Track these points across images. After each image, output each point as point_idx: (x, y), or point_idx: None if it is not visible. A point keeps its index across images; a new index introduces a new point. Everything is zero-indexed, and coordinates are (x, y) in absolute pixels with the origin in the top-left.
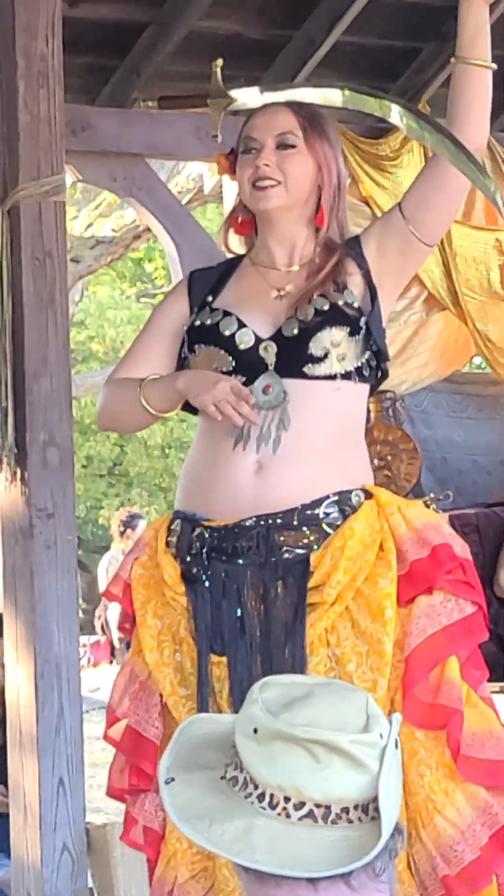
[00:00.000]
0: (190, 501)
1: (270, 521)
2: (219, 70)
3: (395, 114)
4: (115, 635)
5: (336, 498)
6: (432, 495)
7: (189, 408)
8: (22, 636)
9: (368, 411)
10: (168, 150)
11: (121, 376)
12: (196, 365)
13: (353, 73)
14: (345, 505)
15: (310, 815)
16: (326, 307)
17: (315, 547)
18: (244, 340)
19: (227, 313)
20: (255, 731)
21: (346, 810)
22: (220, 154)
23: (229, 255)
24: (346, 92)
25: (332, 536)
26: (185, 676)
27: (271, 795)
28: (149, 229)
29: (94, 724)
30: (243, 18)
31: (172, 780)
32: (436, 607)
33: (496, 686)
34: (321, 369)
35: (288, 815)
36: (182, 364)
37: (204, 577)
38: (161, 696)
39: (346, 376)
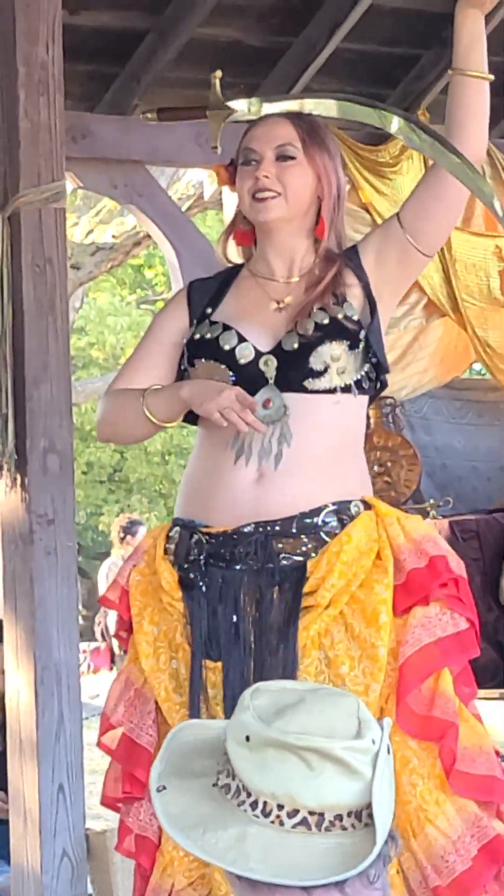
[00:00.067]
0: (189, 509)
1: (269, 528)
2: (218, 82)
3: (395, 124)
4: (115, 642)
5: (335, 507)
6: (432, 501)
7: (188, 418)
8: (22, 642)
9: (368, 417)
10: (168, 156)
11: (120, 387)
12: (195, 377)
13: (352, 80)
14: (343, 514)
15: (303, 822)
16: (326, 321)
17: (313, 554)
18: (244, 355)
19: (226, 327)
20: (248, 738)
21: (339, 817)
22: (220, 165)
23: (228, 265)
24: (345, 103)
25: (329, 543)
26: (180, 683)
27: (264, 803)
28: (149, 236)
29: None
30: (243, 25)
31: (164, 788)
32: (431, 619)
33: (496, 693)
34: (321, 383)
35: (282, 823)
36: (182, 376)
37: (201, 583)
38: (156, 703)
39: (346, 389)
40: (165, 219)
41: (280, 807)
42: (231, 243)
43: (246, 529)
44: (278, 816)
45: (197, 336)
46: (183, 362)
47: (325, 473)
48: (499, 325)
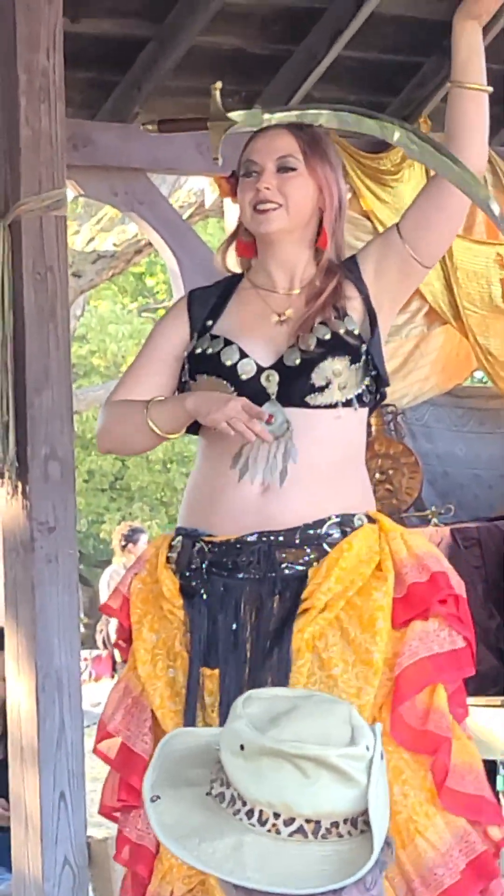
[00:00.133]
0: (192, 518)
1: (272, 538)
2: (218, 93)
3: (396, 135)
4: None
5: (338, 519)
6: (434, 509)
7: (190, 428)
8: (23, 650)
9: (370, 425)
10: (169, 164)
11: (120, 398)
12: (196, 391)
13: (354, 88)
14: (346, 526)
15: (300, 830)
16: (328, 336)
17: (314, 564)
18: (246, 370)
19: (227, 342)
20: (242, 747)
21: (335, 825)
22: (222, 177)
23: (228, 273)
24: (346, 114)
25: (330, 552)
26: (175, 691)
27: (260, 812)
28: (150, 244)
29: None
30: (244, 33)
31: (158, 797)
32: (429, 633)
33: (498, 700)
34: (323, 398)
35: (278, 832)
36: (182, 389)
37: (202, 591)
38: (152, 711)
39: (347, 404)
40: (166, 226)
41: (276, 815)
42: (231, 253)
43: (249, 539)
44: (274, 825)
45: (198, 350)
46: (184, 375)
47: (328, 488)
48: (500, 332)
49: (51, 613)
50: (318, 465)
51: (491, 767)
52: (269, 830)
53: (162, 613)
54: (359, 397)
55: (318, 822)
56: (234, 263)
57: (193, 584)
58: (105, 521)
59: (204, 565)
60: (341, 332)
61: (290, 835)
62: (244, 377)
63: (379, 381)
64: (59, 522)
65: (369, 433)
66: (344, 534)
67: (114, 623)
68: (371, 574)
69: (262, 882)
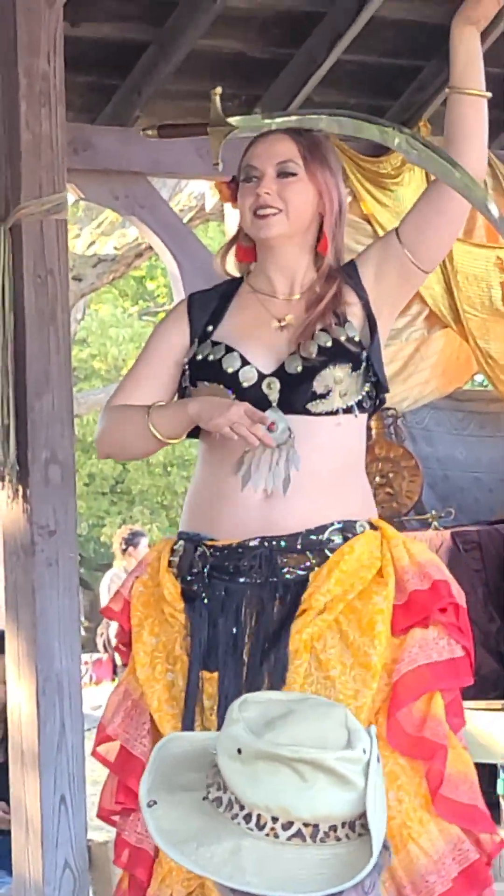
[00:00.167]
0: (195, 523)
1: (274, 543)
2: (218, 98)
3: (396, 140)
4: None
5: (340, 526)
6: (434, 512)
7: (190, 432)
8: (23, 653)
9: (370, 429)
10: (170, 168)
11: (120, 403)
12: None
13: (354, 92)
14: (348, 532)
15: (298, 834)
16: (329, 343)
17: (315, 569)
18: (247, 378)
19: (229, 349)
20: (239, 751)
21: (333, 828)
22: (222, 182)
23: (227, 277)
24: (345, 119)
25: (331, 556)
26: (173, 695)
27: (258, 816)
28: (151, 247)
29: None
30: (244, 37)
31: (154, 802)
32: (429, 641)
33: (498, 704)
34: (324, 406)
35: (276, 836)
36: (182, 394)
37: (203, 595)
38: (150, 713)
39: (348, 410)
40: (167, 230)
41: (274, 819)
42: (230, 257)
43: (251, 543)
44: (273, 829)
45: (199, 356)
46: (184, 380)
47: (329, 494)
48: (500, 336)
49: (51, 617)
50: (320, 471)
51: (491, 771)
52: (267, 834)
53: (163, 617)
54: (359, 404)
55: (316, 826)
56: (233, 267)
57: (195, 588)
58: (106, 525)
59: (205, 569)
60: (342, 339)
61: (289, 839)
62: (245, 384)
63: (378, 388)
64: (60, 526)
65: (369, 437)
66: (346, 539)
67: (114, 626)
68: (372, 579)
69: (262, 886)
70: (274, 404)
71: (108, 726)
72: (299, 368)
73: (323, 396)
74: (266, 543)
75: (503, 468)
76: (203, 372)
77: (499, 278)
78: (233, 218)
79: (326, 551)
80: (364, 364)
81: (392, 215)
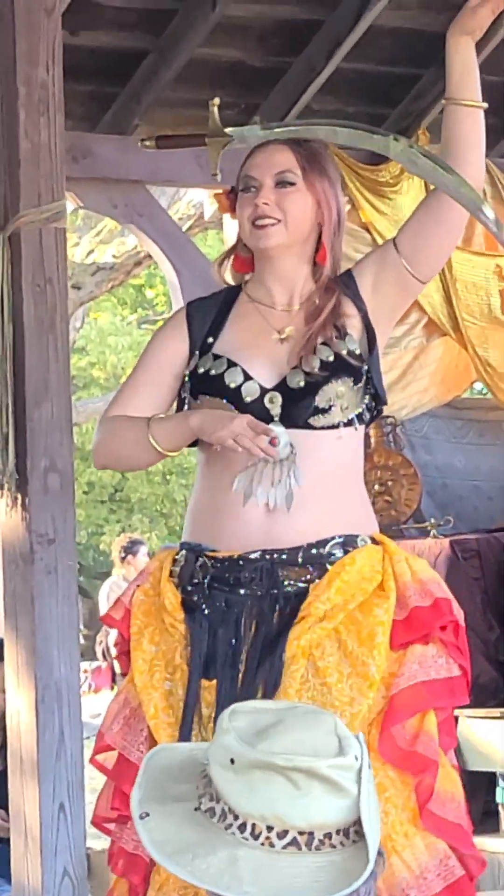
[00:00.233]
0: (196, 534)
1: (276, 556)
2: (216, 109)
3: (394, 150)
4: (116, 662)
5: (342, 540)
6: (433, 520)
7: (190, 443)
8: (23, 661)
9: (369, 437)
10: (168, 176)
11: (117, 413)
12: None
13: (352, 100)
14: (349, 546)
15: (293, 842)
16: (331, 358)
17: (316, 581)
18: (250, 393)
19: (231, 363)
20: (232, 761)
21: (328, 836)
22: (221, 193)
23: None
24: (345, 129)
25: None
26: (171, 703)
27: (253, 825)
28: (149, 256)
29: None
30: (243, 46)
31: (147, 814)
32: (428, 659)
33: (497, 712)
34: (325, 420)
35: (272, 845)
36: (181, 405)
37: (204, 606)
38: None
39: (349, 423)
40: (166, 238)
41: (269, 828)
42: (227, 267)
43: (252, 556)
44: (268, 838)
45: (201, 370)
46: (184, 391)
47: (331, 508)
48: (499, 344)
49: (50, 625)
50: (322, 485)
51: (490, 779)
52: (262, 844)
53: (163, 626)
54: (359, 416)
55: (311, 834)
56: (230, 276)
57: (195, 598)
58: (104, 533)
59: (206, 580)
60: (343, 353)
61: (284, 847)
62: (248, 399)
63: (378, 400)
64: (59, 534)
65: (368, 445)
66: (346, 553)
67: (113, 635)
68: (373, 592)
69: None
70: (276, 419)
71: (107, 734)
72: (301, 383)
73: (325, 411)
74: (267, 556)
75: (502, 476)
76: (205, 386)
77: (498, 286)
78: (232, 227)
79: (327, 565)
80: (364, 377)
81: (391, 223)
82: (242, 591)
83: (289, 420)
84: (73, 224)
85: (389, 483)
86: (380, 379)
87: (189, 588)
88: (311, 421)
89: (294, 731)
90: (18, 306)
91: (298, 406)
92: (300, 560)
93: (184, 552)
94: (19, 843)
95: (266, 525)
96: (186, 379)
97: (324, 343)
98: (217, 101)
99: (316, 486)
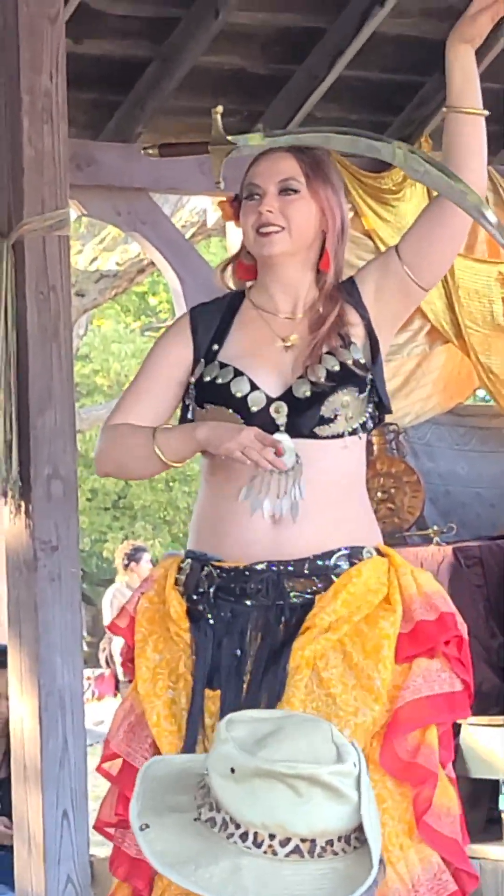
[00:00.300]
0: (202, 543)
1: (282, 568)
2: (219, 117)
3: (398, 156)
4: (120, 669)
5: (348, 552)
6: (436, 528)
7: None
8: (26, 669)
9: (371, 444)
10: (172, 184)
11: (119, 421)
12: (204, 420)
13: (355, 108)
14: (355, 558)
15: (296, 850)
16: (337, 368)
17: (322, 593)
18: (256, 402)
19: (238, 372)
20: (233, 770)
21: (330, 842)
22: (225, 201)
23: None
24: (348, 136)
25: (337, 579)
26: (173, 712)
27: (255, 834)
28: (153, 263)
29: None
30: (246, 54)
31: (147, 825)
32: (432, 673)
33: (500, 719)
34: (330, 429)
35: (274, 853)
36: (185, 412)
37: (209, 615)
38: None
39: (353, 433)
40: (169, 246)
41: (272, 836)
42: (229, 273)
43: (258, 567)
44: (271, 846)
45: (206, 378)
46: (188, 398)
47: (336, 518)
48: (502, 351)
49: (54, 632)
50: (326, 494)
51: (494, 787)
52: (265, 852)
53: (168, 635)
54: (363, 425)
55: (313, 841)
56: (233, 282)
57: (200, 607)
58: (108, 540)
59: (211, 590)
60: (349, 362)
61: (287, 855)
62: (254, 409)
63: (381, 408)
64: (62, 541)
65: (371, 452)
66: (352, 565)
67: (117, 642)
68: (378, 604)
69: None
70: (281, 428)
71: (112, 741)
72: (308, 393)
73: (330, 420)
74: (273, 568)
75: None
76: (210, 394)
77: (500, 294)
78: (235, 235)
79: (333, 577)
80: (369, 386)
81: (393, 231)
82: (248, 602)
83: (294, 430)
84: (76, 231)
85: (392, 490)
86: (384, 387)
87: (194, 597)
88: (317, 430)
89: (293, 739)
90: (22, 314)
91: (304, 416)
92: (306, 571)
93: (189, 561)
94: (23, 851)
95: (272, 536)
96: (192, 387)
97: (329, 352)
98: (220, 108)
99: (321, 494)
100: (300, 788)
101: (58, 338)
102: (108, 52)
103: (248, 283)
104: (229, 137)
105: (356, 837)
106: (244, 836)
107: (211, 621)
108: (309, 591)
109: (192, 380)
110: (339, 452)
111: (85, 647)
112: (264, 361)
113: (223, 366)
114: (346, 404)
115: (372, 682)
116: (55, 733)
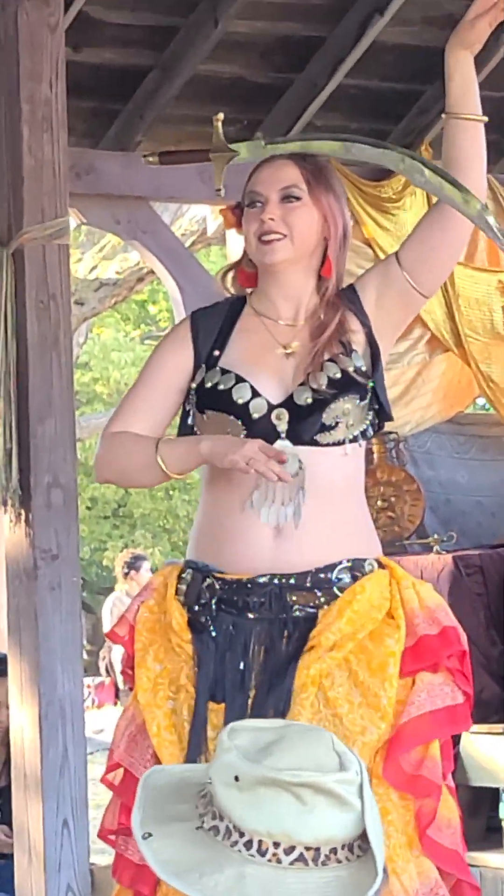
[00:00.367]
0: (203, 553)
1: (284, 581)
2: (220, 124)
3: (399, 163)
4: (120, 677)
5: (349, 564)
6: (436, 536)
7: None
8: (26, 677)
9: (372, 453)
10: (171, 193)
11: (119, 429)
12: (204, 426)
13: (355, 116)
14: (357, 571)
15: (300, 858)
16: (339, 375)
17: (325, 606)
18: (257, 409)
19: (239, 378)
20: (237, 778)
21: (334, 850)
22: (227, 209)
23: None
24: (348, 143)
25: (342, 595)
26: (174, 722)
27: (259, 842)
28: (152, 272)
29: (98, 765)
30: (246, 62)
31: (149, 834)
32: (436, 687)
33: (500, 728)
34: (331, 437)
35: (279, 861)
36: (186, 418)
37: (212, 627)
38: None
39: (353, 440)
40: (169, 255)
41: (276, 844)
42: (230, 279)
43: (261, 580)
44: (275, 854)
45: (208, 384)
46: (188, 404)
47: (338, 526)
48: (502, 359)
49: (54, 641)
50: (327, 500)
51: (494, 795)
52: (269, 860)
53: (169, 645)
54: (363, 433)
55: (317, 849)
56: (233, 288)
57: (202, 619)
58: (108, 549)
59: (213, 602)
60: (350, 370)
61: (291, 863)
62: (255, 416)
63: (381, 415)
64: (62, 550)
65: (371, 461)
66: (354, 578)
67: (117, 650)
68: (382, 620)
69: None
70: (282, 435)
71: (116, 751)
72: (309, 400)
73: (331, 428)
74: (276, 581)
75: None
76: (212, 400)
77: (500, 302)
78: (235, 242)
79: (335, 590)
80: (369, 394)
81: (393, 239)
82: (251, 615)
83: (295, 436)
84: (76, 240)
85: (393, 499)
86: (384, 394)
87: (196, 608)
88: (318, 438)
89: (296, 747)
90: (22, 323)
91: (305, 423)
92: (308, 584)
93: (190, 571)
94: (23, 859)
95: (273, 548)
96: (192, 392)
97: (330, 359)
98: (221, 116)
99: (321, 501)
100: (305, 797)
101: (58, 346)
102: (108, 61)
103: (249, 290)
104: (231, 145)
105: (359, 846)
106: (248, 845)
107: (213, 633)
108: (311, 604)
109: (193, 385)
110: (340, 459)
111: (85, 656)
112: (265, 368)
113: (224, 372)
114: (347, 412)
115: (379, 700)
116: (55, 742)
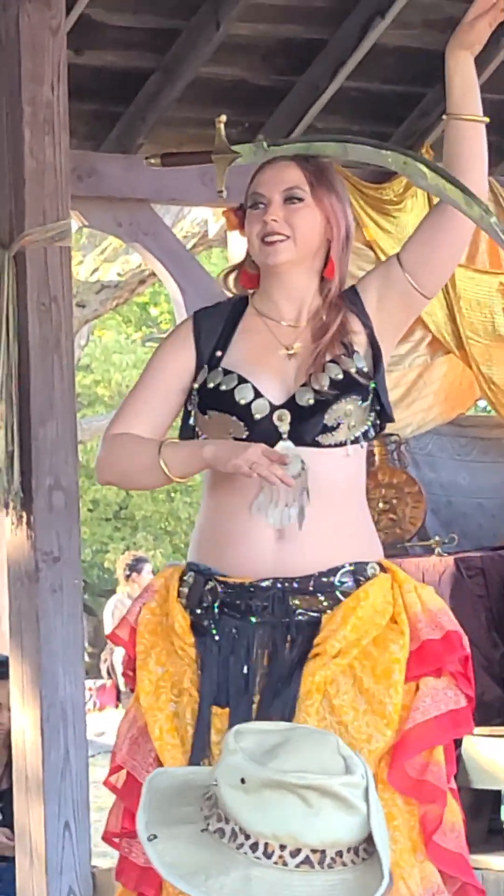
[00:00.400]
0: (205, 556)
1: (287, 585)
2: (222, 126)
3: (402, 164)
4: (121, 679)
5: (352, 568)
6: (437, 538)
7: None
8: (28, 680)
9: (373, 455)
10: (173, 195)
11: (120, 430)
12: (206, 427)
13: (356, 118)
14: (360, 575)
15: (306, 861)
16: (341, 376)
17: (328, 611)
18: (259, 410)
19: (242, 379)
20: (243, 780)
21: (339, 853)
22: (229, 210)
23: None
24: (350, 145)
25: (345, 600)
26: (176, 726)
27: (266, 845)
28: (154, 274)
29: (100, 767)
30: (247, 65)
31: (155, 836)
32: (439, 692)
33: (501, 730)
34: (333, 438)
35: (285, 864)
36: (188, 418)
37: (214, 631)
38: None
39: (355, 441)
40: (170, 257)
41: (282, 847)
42: (231, 280)
43: (263, 584)
44: (281, 857)
45: (210, 384)
46: (190, 404)
47: (340, 529)
48: (503, 361)
49: (55, 643)
50: (329, 501)
51: (496, 797)
52: (275, 863)
53: (171, 648)
54: (365, 434)
55: (323, 852)
56: (236, 289)
57: (205, 622)
58: (109, 551)
59: (216, 605)
60: (352, 371)
61: (297, 866)
62: (257, 416)
63: (383, 416)
64: (64, 552)
65: (372, 463)
66: (357, 582)
67: (118, 652)
68: (386, 625)
69: None
70: (284, 436)
71: (118, 754)
72: (311, 401)
73: (333, 429)
74: (279, 584)
75: None
76: (214, 401)
77: (501, 304)
78: (237, 244)
79: (338, 594)
80: (371, 396)
81: (395, 241)
82: (254, 619)
83: (297, 437)
84: (77, 242)
85: (394, 501)
86: (386, 395)
87: (198, 611)
88: (319, 439)
89: (302, 750)
90: (24, 325)
91: (307, 424)
92: (311, 588)
93: (192, 574)
94: (24, 862)
95: (276, 551)
96: (194, 392)
97: (332, 360)
98: (223, 118)
99: (323, 502)
100: (311, 799)
101: (59, 349)
102: (110, 64)
103: (251, 291)
104: (233, 146)
105: (365, 849)
106: (254, 847)
107: (216, 637)
108: (314, 609)
109: (195, 385)
110: (341, 460)
111: (86, 658)
112: (268, 369)
113: (227, 372)
114: (349, 413)
115: (384, 707)
116: (57, 744)
